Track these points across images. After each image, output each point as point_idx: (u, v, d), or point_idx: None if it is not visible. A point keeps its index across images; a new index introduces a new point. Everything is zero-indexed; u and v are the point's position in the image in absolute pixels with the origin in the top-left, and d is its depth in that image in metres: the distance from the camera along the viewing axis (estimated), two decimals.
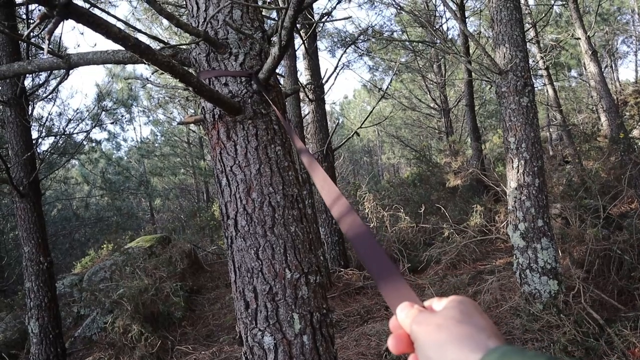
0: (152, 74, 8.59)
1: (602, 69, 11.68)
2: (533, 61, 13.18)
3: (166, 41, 10.98)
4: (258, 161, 2.24)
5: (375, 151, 32.63)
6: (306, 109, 9.31)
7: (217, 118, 2.28)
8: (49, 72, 6.35)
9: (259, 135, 2.26)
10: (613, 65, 24.03)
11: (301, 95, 8.89)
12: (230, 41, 2.31)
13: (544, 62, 13.08)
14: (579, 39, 10.49)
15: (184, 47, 2.44)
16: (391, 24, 16.10)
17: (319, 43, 10.75)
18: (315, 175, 1.13)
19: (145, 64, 1.76)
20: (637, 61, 30.42)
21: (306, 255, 2.28)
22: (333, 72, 8.83)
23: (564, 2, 11.33)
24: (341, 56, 9.18)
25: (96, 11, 3.98)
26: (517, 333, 4.26)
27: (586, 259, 5.09)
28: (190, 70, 2.41)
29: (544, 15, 12.95)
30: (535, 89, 20.06)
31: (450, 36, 15.40)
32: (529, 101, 4.63)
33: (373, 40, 13.65)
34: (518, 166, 4.44)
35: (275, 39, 2.17)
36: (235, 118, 2.24)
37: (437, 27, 13.19)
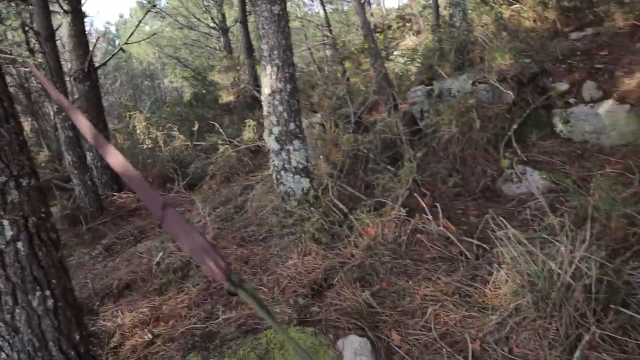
0: None
1: None
2: None
3: None
4: None
5: (157, 75, 30.97)
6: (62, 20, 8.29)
7: None
8: None
9: None
10: None
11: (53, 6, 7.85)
12: None
13: None
14: None
15: None
16: None
17: None
18: (77, 122, 1.21)
19: None
20: None
21: (15, 157, 2.07)
22: None
23: None
24: None
25: None
26: (275, 230, 4.58)
27: (339, 160, 5.61)
28: None
29: None
30: (312, 11, 20.87)
31: None
32: (281, 9, 4.73)
33: None
34: (271, 73, 4.58)
35: None
36: None
37: None
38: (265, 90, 4.59)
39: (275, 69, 4.57)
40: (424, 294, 3.42)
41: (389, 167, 5.21)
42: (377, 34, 13.43)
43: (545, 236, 3.33)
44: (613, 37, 6.31)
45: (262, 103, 4.62)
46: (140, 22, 8.63)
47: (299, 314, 3.42)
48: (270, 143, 4.55)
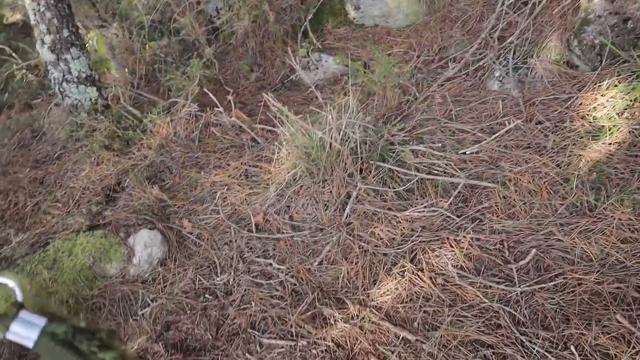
0: None
1: None
2: None
3: None
4: None
5: None
6: None
7: None
8: None
9: None
10: None
11: None
12: None
13: None
14: None
15: None
16: None
17: None
18: None
19: None
20: None
21: None
22: None
23: None
24: None
25: None
26: (69, 145, 4.36)
27: (137, 66, 5.36)
28: None
29: None
30: None
31: None
32: None
33: None
34: None
35: None
36: None
37: None
38: None
39: None
40: (213, 181, 3.54)
41: (187, 68, 5.11)
42: None
43: (316, 109, 3.55)
44: None
45: (28, 12, 4.19)
46: None
47: (92, 221, 3.38)
48: (45, 54, 4.19)
